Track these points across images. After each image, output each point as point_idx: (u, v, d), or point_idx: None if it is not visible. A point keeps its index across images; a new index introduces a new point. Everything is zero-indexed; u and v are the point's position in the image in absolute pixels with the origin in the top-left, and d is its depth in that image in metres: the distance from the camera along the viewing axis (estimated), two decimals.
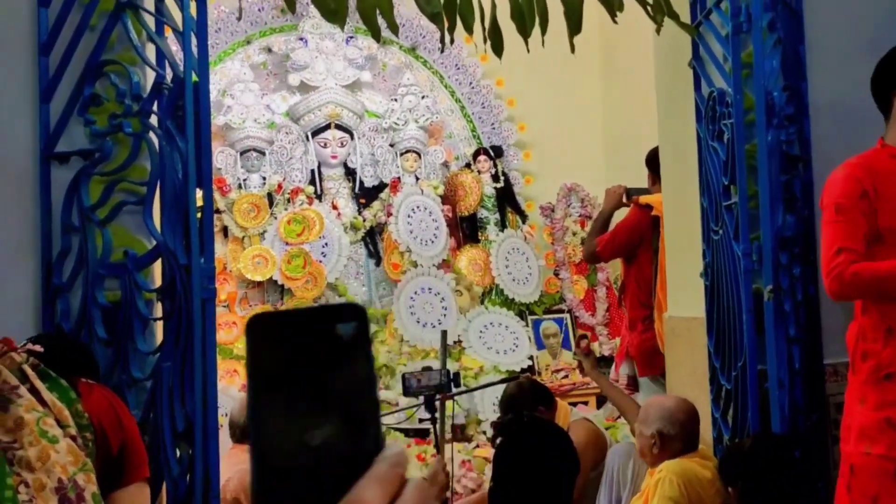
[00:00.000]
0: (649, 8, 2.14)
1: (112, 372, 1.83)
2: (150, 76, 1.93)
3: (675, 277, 3.01)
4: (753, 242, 2.34)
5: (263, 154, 4.69)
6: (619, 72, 5.12)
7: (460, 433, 4.26)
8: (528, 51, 2.50)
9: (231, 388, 4.12)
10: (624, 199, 3.43)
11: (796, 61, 2.38)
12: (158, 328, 1.90)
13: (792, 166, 2.38)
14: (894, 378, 1.93)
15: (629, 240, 3.25)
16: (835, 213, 1.94)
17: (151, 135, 1.87)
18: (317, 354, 0.40)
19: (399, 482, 0.39)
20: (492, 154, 5.25)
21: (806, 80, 2.39)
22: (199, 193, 1.89)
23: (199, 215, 1.86)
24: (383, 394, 4.40)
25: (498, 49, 2.50)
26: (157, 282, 1.91)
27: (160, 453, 1.80)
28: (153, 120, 1.90)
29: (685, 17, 2.53)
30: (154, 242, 1.87)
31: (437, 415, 2.38)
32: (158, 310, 1.89)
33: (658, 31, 2.61)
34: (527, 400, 2.75)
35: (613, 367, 3.43)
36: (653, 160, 3.30)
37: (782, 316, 2.27)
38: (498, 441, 1.59)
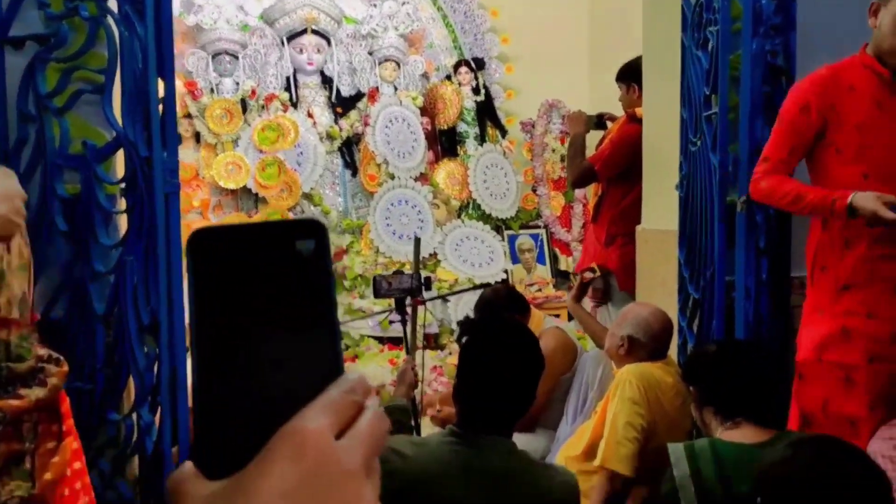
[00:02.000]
0: None
1: (73, 265, 1.80)
2: None
3: (651, 190, 3.00)
4: (730, 154, 2.32)
5: (236, 58, 4.53)
6: None
7: (433, 342, 4.32)
8: None
9: None
10: (592, 124, 3.36)
11: None
12: (122, 222, 1.86)
13: (775, 78, 2.34)
14: (852, 289, 1.97)
15: (630, 154, 3.17)
16: (777, 122, 2.00)
17: (109, 19, 1.78)
18: (270, 273, 0.36)
19: (353, 410, 0.35)
20: (473, 66, 5.12)
21: None
22: (160, 85, 1.81)
23: (160, 107, 1.79)
24: (358, 302, 4.43)
25: None
26: (119, 174, 1.86)
27: (126, 346, 1.80)
28: (112, 4, 1.80)
29: None
30: (114, 134, 1.81)
31: (409, 318, 2.39)
32: (122, 203, 1.85)
33: None
34: (501, 304, 2.77)
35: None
36: (633, 71, 3.23)
37: (753, 227, 2.29)
38: (463, 339, 1.60)
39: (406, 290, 2.27)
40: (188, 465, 0.34)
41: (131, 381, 1.83)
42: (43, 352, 1.21)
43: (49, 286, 1.83)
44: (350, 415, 0.35)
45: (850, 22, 2.31)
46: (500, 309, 2.67)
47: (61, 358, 1.22)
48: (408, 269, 4.70)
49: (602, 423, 2.31)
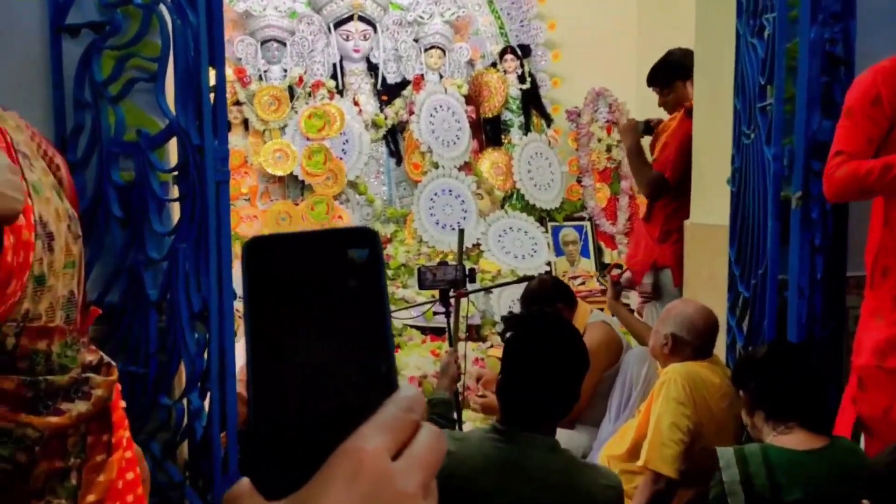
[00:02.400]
0: None
1: (128, 252, 1.84)
2: None
3: (700, 183, 2.93)
4: (786, 147, 2.25)
5: (284, 45, 4.56)
6: None
7: (475, 334, 4.31)
8: None
9: None
10: (641, 130, 3.27)
11: None
12: (175, 209, 1.89)
13: (833, 68, 2.26)
14: None
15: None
16: (844, 117, 1.95)
17: (162, 7, 1.80)
18: (324, 283, 0.35)
19: (410, 429, 0.34)
20: (519, 53, 5.06)
21: None
22: (211, 73, 1.83)
23: (212, 95, 1.81)
24: (401, 291, 4.44)
25: None
26: (172, 162, 1.89)
27: (178, 333, 1.83)
28: None
29: None
30: (167, 122, 1.83)
31: (452, 310, 2.39)
32: (175, 191, 1.88)
33: None
34: (548, 295, 2.75)
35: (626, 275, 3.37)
36: (674, 69, 3.14)
37: (809, 223, 2.21)
38: (507, 335, 1.59)
39: (450, 281, 2.26)
40: (245, 483, 0.34)
41: (182, 367, 1.86)
42: (91, 357, 1.09)
43: (105, 271, 1.87)
44: (407, 434, 0.34)
45: None
46: (547, 300, 2.65)
47: (112, 363, 1.11)
48: (451, 260, 4.72)
49: (646, 422, 2.27)
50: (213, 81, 1.82)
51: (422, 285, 2.29)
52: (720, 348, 2.51)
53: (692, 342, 2.34)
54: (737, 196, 2.51)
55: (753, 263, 2.39)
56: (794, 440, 1.61)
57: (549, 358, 1.51)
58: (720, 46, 2.65)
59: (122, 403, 1.15)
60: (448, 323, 2.36)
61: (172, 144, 1.88)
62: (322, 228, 0.39)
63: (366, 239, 0.36)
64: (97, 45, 1.81)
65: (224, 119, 1.82)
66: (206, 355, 1.86)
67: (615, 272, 3.01)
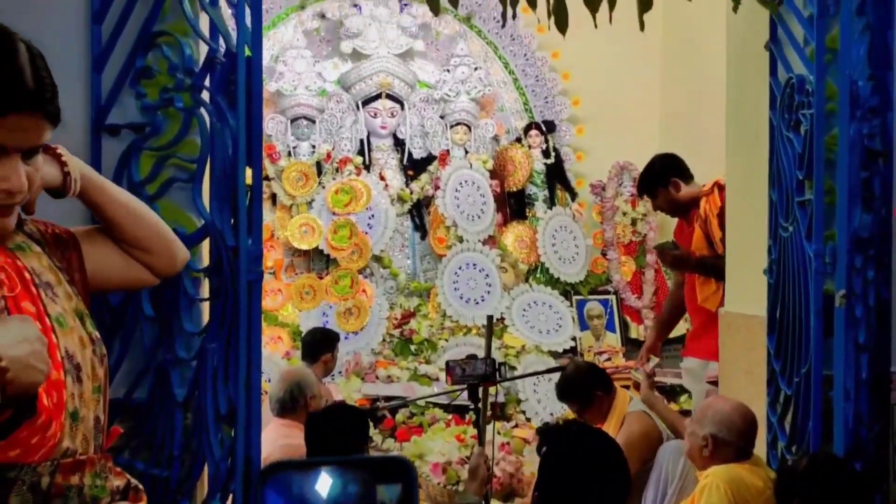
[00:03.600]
0: None
1: (156, 350, 1.82)
2: (203, 49, 1.87)
3: (735, 272, 2.88)
4: (827, 242, 2.21)
5: (314, 122, 4.64)
6: (680, 48, 4.91)
7: (500, 412, 4.22)
8: (596, 26, 2.37)
9: (275, 356, 4.15)
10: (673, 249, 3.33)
11: (884, 49, 2.21)
12: (205, 308, 1.87)
13: (872, 162, 2.23)
14: None
15: None
16: None
17: (202, 110, 1.82)
18: None
19: None
20: (543, 129, 5.11)
21: (893, 71, 2.22)
22: (248, 172, 1.84)
23: (248, 195, 1.81)
24: (423, 367, 4.38)
25: (562, 25, 2.38)
26: (205, 261, 1.88)
27: (203, 434, 1.79)
28: (204, 95, 1.85)
29: None
30: (202, 221, 1.83)
31: (480, 404, 2.33)
32: (205, 289, 1.86)
33: (735, 8, 2.45)
34: (585, 382, 2.69)
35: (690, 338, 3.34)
36: (657, 175, 3.22)
37: (853, 321, 2.15)
38: (543, 450, 1.52)
39: (480, 376, 2.21)
40: None
41: (206, 470, 1.81)
42: (119, 482, 1.07)
43: (133, 368, 1.85)
44: None
45: None
46: (584, 388, 2.59)
47: (140, 487, 1.09)
48: (475, 335, 4.66)
49: None
50: (249, 180, 1.83)
51: (452, 381, 2.24)
52: (759, 446, 2.41)
53: (733, 442, 2.26)
54: (775, 288, 2.45)
55: (795, 359, 2.31)
56: None
57: (588, 479, 1.45)
58: (754, 135, 2.63)
59: None
60: (477, 420, 2.29)
61: (205, 242, 1.88)
62: (355, 457, 0.35)
63: (398, 471, 0.31)
64: (137, 144, 1.83)
65: (260, 219, 1.82)
66: (229, 458, 1.81)
67: (648, 367, 2.94)
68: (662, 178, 3.27)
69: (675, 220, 3.49)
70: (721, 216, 3.07)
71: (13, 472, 0.94)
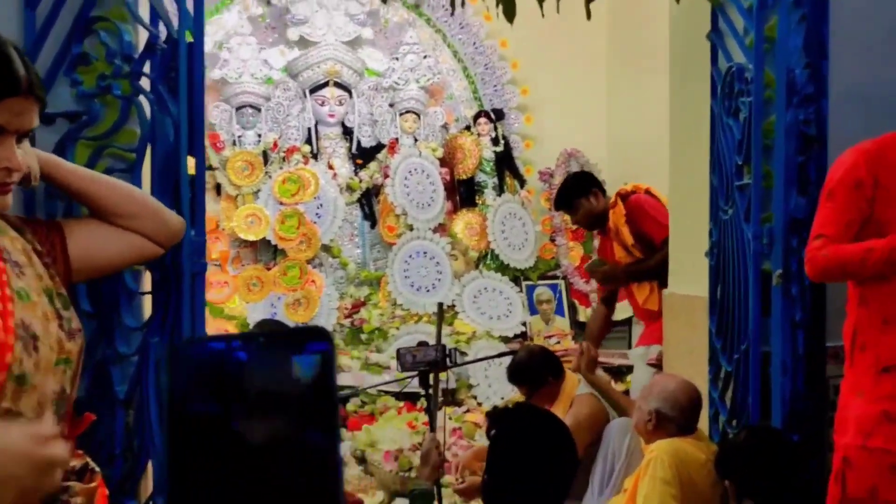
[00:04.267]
0: None
1: (96, 347, 1.77)
2: (143, 35, 1.82)
3: (678, 254, 2.96)
4: (765, 224, 2.28)
5: (259, 110, 4.56)
6: (626, 38, 4.98)
7: (451, 398, 4.25)
8: (543, 15, 2.40)
9: None
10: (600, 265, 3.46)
11: (819, 40, 2.29)
12: (146, 302, 1.83)
13: (808, 147, 2.31)
14: (892, 371, 1.91)
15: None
16: (825, 199, 1.96)
17: (142, 98, 1.77)
18: (261, 399, 0.31)
19: None
20: (493, 117, 5.13)
21: (827, 60, 2.30)
22: (190, 162, 1.80)
23: (190, 185, 1.77)
24: (374, 356, 4.37)
25: (510, 14, 2.40)
26: None
27: (146, 431, 1.75)
28: (144, 82, 1.80)
29: None
30: None
31: (431, 391, 2.35)
32: (146, 283, 1.82)
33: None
34: (537, 367, 2.73)
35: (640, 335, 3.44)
36: (574, 188, 3.37)
37: (790, 300, 2.23)
38: (492, 433, 1.55)
39: (431, 362, 2.22)
40: None
41: (150, 468, 1.77)
42: (76, 462, 1.07)
43: None
44: None
45: (882, 87, 2.29)
46: (536, 372, 2.63)
47: (96, 469, 1.08)
48: (426, 322, 4.67)
49: (632, 501, 2.25)
50: (191, 170, 1.79)
51: (403, 367, 2.25)
52: (703, 421, 2.49)
53: (676, 418, 2.33)
54: (716, 269, 2.53)
55: (735, 336, 2.39)
56: None
57: (537, 458, 1.48)
58: (695, 122, 2.70)
59: None
60: (428, 406, 2.31)
61: None
62: (263, 330, 0.35)
63: (317, 341, 0.32)
64: (72, 134, 1.77)
65: (202, 210, 1.78)
66: None
67: (583, 344, 2.99)
68: (582, 188, 3.40)
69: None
70: (629, 223, 3.25)
71: None
